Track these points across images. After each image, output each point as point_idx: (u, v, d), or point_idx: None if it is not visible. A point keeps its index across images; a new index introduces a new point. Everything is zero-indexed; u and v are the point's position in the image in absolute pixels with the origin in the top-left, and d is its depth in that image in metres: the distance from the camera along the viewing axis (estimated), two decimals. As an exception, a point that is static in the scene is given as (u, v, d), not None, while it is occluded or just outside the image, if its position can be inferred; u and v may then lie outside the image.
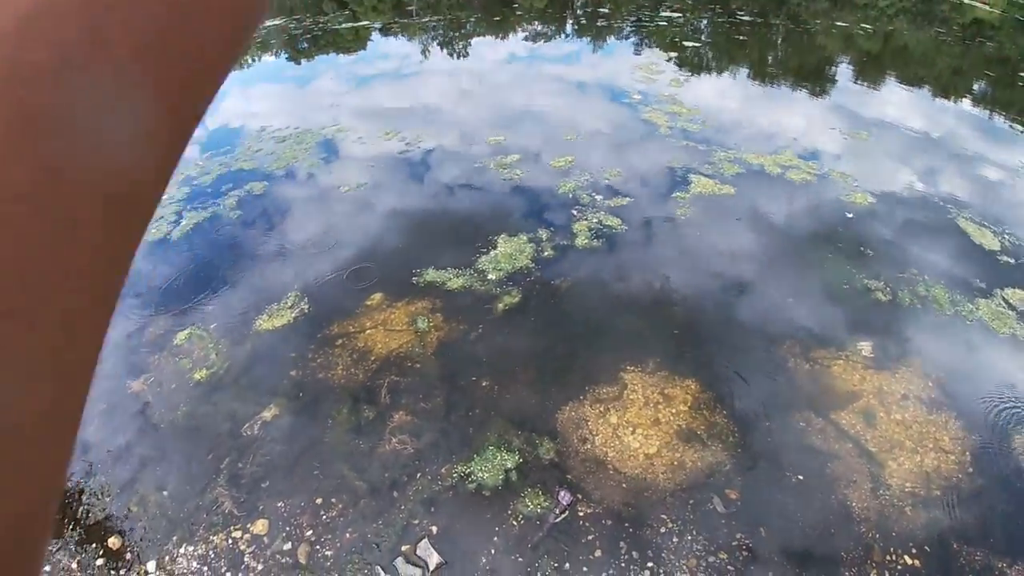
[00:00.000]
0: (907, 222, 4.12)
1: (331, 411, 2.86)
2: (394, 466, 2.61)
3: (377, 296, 3.57)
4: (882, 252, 3.80)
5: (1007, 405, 2.83)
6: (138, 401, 3.03)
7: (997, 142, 5.97)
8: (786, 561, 2.21)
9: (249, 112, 6.45)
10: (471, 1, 11.43)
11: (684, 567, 2.22)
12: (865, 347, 3.06)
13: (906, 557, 2.21)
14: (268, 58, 8.98)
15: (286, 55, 8.48)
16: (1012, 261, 3.87)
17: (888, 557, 2.21)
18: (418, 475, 2.57)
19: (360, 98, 6.62)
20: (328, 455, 2.66)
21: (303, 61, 8.25)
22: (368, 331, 3.35)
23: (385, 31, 9.59)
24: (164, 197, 4.45)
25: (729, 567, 2.21)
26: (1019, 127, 6.43)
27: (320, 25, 9.54)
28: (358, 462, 2.63)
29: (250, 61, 8.53)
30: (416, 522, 2.40)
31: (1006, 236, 4.13)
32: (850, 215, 4.16)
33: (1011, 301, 3.42)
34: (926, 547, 2.24)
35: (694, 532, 2.32)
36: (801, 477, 2.50)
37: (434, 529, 2.37)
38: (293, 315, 3.45)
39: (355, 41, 9.05)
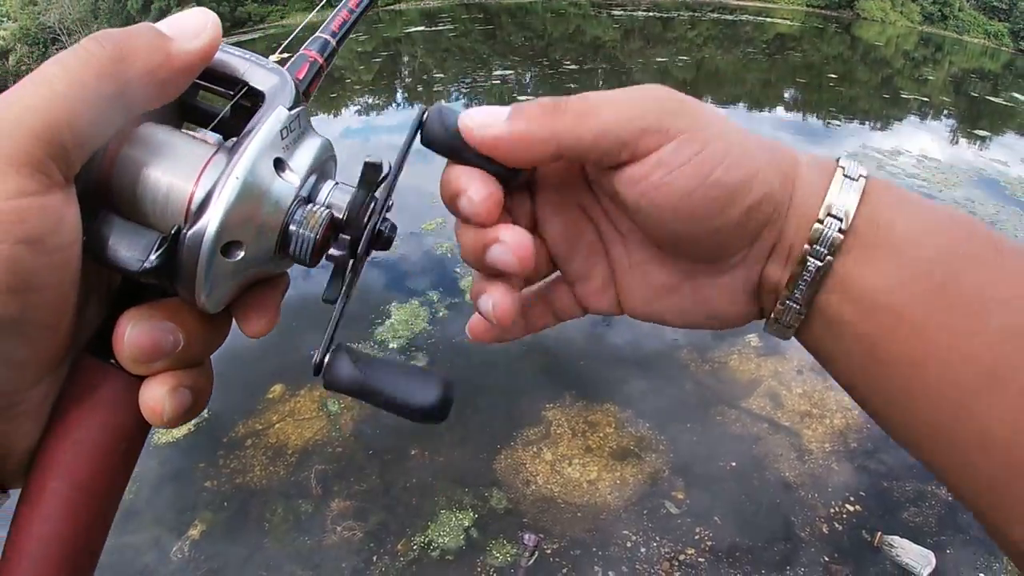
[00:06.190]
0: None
1: (264, 514, 2.65)
2: (348, 554, 2.46)
3: (277, 387, 3.39)
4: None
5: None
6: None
7: (815, 139, 6.95)
8: (748, 539, 2.38)
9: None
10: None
11: (660, 572, 2.30)
12: (752, 338, 3.41)
13: (847, 506, 2.47)
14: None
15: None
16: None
17: (832, 510, 2.46)
18: (375, 558, 2.44)
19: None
20: (275, 559, 2.45)
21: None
22: (276, 425, 3.17)
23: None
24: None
25: (699, 559, 2.33)
26: (834, 122, 7.52)
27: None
28: (309, 559, 2.44)
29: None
30: (387, 605, 2.29)
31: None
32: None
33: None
34: (861, 492, 2.52)
35: (658, 538, 2.42)
36: (734, 463, 2.71)
37: (408, 607, 2.28)
38: (193, 422, 3.18)
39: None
